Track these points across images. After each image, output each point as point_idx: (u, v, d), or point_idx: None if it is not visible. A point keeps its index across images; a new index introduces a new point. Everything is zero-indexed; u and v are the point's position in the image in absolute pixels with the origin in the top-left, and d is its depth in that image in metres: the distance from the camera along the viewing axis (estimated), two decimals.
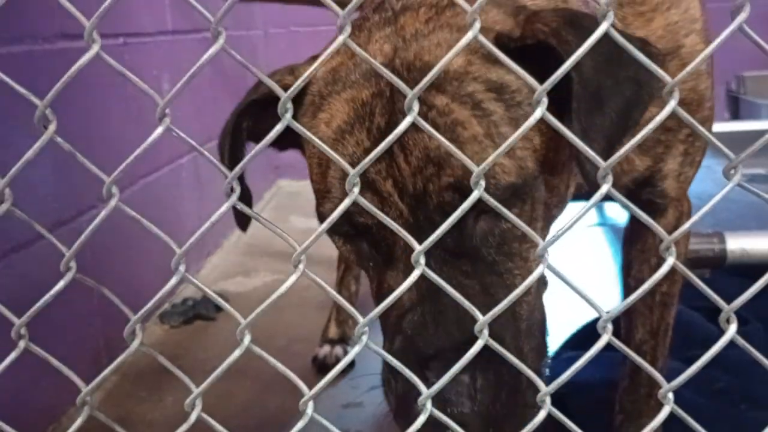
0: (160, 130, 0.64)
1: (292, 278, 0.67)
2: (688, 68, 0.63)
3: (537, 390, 0.72)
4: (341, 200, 0.80)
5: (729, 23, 0.63)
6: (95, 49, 0.63)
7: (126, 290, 2.11)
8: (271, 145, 0.99)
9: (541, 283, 0.94)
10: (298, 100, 0.94)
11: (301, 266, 0.67)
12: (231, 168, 1.06)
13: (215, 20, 0.61)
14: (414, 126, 0.77)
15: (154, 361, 0.76)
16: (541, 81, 0.63)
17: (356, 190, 0.66)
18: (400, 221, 0.83)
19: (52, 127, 0.66)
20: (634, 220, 1.33)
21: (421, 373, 0.75)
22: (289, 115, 0.64)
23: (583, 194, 1.18)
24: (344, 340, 2.10)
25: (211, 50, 0.63)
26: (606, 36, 0.62)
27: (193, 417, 0.72)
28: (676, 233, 0.65)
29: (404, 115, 0.77)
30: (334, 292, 0.71)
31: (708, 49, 0.63)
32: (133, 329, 0.71)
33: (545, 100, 0.63)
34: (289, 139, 0.96)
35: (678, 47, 1.08)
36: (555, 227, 0.97)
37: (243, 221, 1.02)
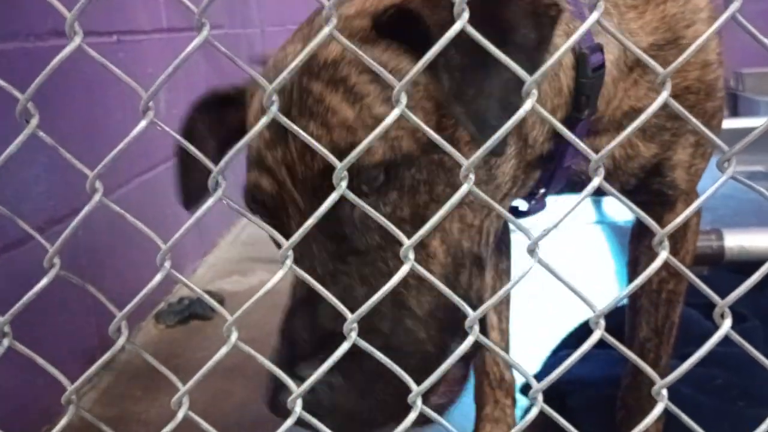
0: (143, 123, 0.63)
1: (279, 274, 0.66)
2: (680, 59, 0.62)
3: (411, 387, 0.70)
4: (251, 182, 0.91)
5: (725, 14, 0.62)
6: (77, 41, 0.62)
7: (122, 288, 2.12)
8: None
9: (468, 266, 0.91)
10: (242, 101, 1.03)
11: (288, 262, 0.66)
12: (181, 177, 1.10)
13: (199, 11, 0.60)
14: (299, 112, 0.85)
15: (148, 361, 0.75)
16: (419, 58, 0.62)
17: (274, 109, 0.65)
18: (293, 206, 0.87)
19: (34, 121, 0.65)
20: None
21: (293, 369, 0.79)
22: (275, 108, 0.63)
23: (576, 189, 1.17)
24: None
25: (195, 42, 0.61)
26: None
27: (180, 415, 0.71)
28: (669, 227, 0.64)
29: (296, 106, 0.84)
30: (322, 288, 0.69)
31: (700, 39, 0.62)
32: (118, 326, 0.70)
33: (535, 93, 0.62)
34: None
35: (677, 38, 1.06)
36: (544, 223, 0.96)
37: (188, 200, 1.12)
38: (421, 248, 0.85)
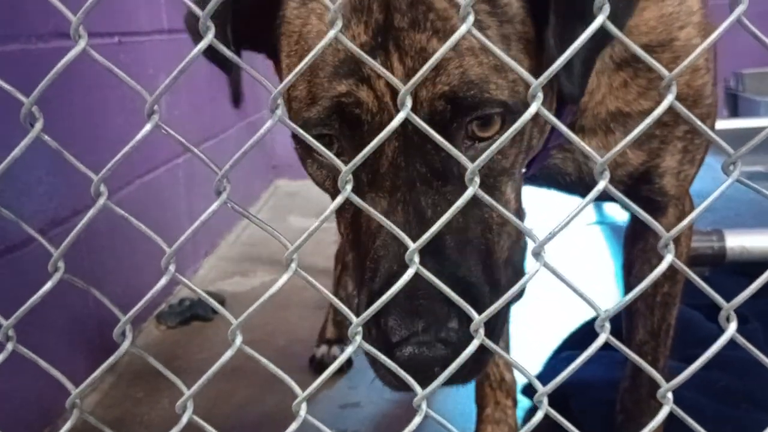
0: (148, 127, 0.63)
1: (284, 277, 0.66)
2: (686, 62, 0.62)
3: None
4: (331, 97, 0.78)
5: (726, 18, 0.62)
6: (81, 44, 0.62)
7: (124, 290, 2.12)
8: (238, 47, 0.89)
9: (522, 213, 0.91)
10: None
11: (293, 265, 0.66)
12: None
13: (203, 15, 0.60)
14: (413, 25, 0.77)
15: (150, 362, 0.75)
16: None
17: (349, 186, 0.65)
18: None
19: (38, 125, 0.65)
20: (634, 219, 1.32)
21: (407, 318, 0.73)
22: (279, 112, 0.63)
23: (580, 191, 1.17)
24: (342, 341, 2.09)
25: (201, 44, 0.61)
26: None
27: (184, 419, 0.71)
28: (674, 230, 0.64)
29: (401, 14, 0.77)
30: (326, 292, 0.70)
31: (706, 42, 0.62)
32: (123, 330, 0.70)
33: (540, 96, 0.62)
34: (258, 41, 0.93)
35: (671, 39, 1.06)
36: (549, 225, 0.95)
37: (237, 96, 0.96)
38: (501, 196, 0.83)
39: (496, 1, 0.81)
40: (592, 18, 0.60)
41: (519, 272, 0.88)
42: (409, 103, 0.63)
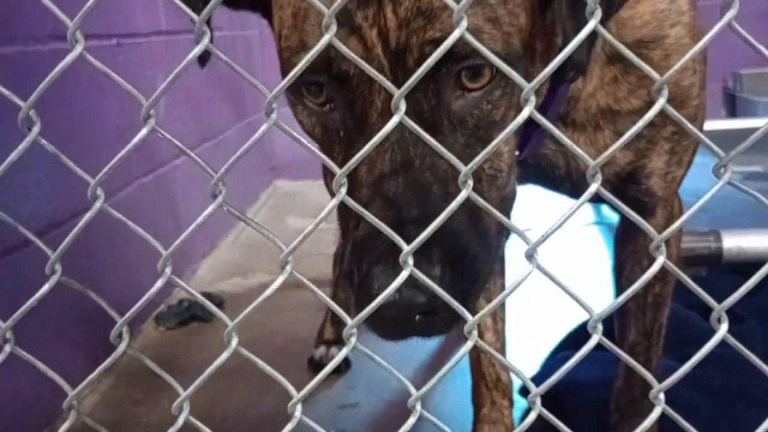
0: (144, 131, 0.63)
1: (279, 280, 0.67)
2: (678, 65, 0.62)
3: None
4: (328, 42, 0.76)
5: (719, 20, 0.63)
6: (78, 49, 0.62)
7: (123, 291, 2.12)
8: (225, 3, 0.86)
9: (514, 167, 0.90)
10: None
11: (288, 267, 0.67)
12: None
13: (199, 20, 0.61)
14: None
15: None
16: None
17: (343, 190, 0.65)
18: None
19: (35, 129, 0.66)
20: (624, 221, 1.32)
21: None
22: (274, 116, 0.63)
23: (567, 186, 1.17)
24: (340, 341, 2.10)
25: (196, 50, 0.62)
26: None
27: (180, 420, 0.72)
28: (666, 233, 0.65)
29: None
30: (322, 294, 0.70)
31: (698, 45, 0.62)
32: (119, 332, 0.70)
33: (533, 99, 0.62)
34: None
35: (663, 36, 1.06)
36: (543, 227, 0.95)
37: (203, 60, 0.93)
38: (495, 152, 0.82)
39: None
40: None
41: (502, 231, 0.88)
42: (402, 107, 0.63)
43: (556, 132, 0.64)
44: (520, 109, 0.84)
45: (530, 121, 0.97)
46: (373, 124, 0.78)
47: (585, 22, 0.62)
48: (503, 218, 0.68)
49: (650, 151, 1.12)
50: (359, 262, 0.75)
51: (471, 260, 0.77)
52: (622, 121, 1.07)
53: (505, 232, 0.89)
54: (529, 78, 0.82)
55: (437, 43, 0.71)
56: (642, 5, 1.05)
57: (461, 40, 0.60)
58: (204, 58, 0.91)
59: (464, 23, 0.60)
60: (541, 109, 0.98)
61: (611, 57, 1.05)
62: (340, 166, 0.81)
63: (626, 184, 1.15)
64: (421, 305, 0.71)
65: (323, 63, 0.76)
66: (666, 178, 1.15)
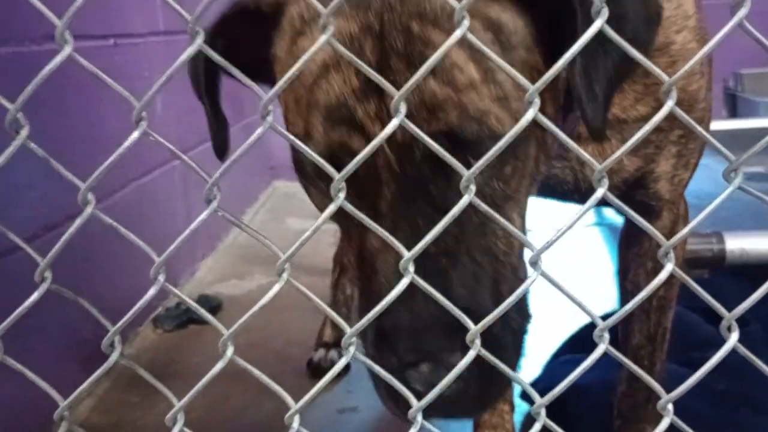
0: (135, 134, 0.62)
1: (276, 287, 0.65)
2: (687, 66, 0.61)
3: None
4: (324, 145, 0.75)
5: (728, 19, 0.61)
6: (67, 50, 0.61)
7: (118, 294, 2.10)
8: (230, 76, 0.83)
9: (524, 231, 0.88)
10: (273, 20, 0.86)
11: (284, 275, 0.65)
12: (209, 99, 0.96)
13: (192, 19, 0.59)
14: (407, 65, 0.73)
15: (146, 366, 0.74)
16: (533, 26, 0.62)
17: (342, 195, 0.63)
18: (387, 171, 0.76)
19: (24, 132, 0.64)
20: (629, 223, 1.31)
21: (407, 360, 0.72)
22: (270, 119, 0.62)
23: (575, 198, 1.16)
24: (339, 344, 2.08)
25: (189, 50, 0.60)
26: None
27: (175, 431, 0.70)
28: (674, 239, 0.63)
29: (396, 54, 0.73)
30: (319, 301, 0.68)
31: (707, 46, 0.60)
32: (111, 341, 0.68)
33: (537, 101, 0.60)
34: (258, 72, 0.87)
35: (668, 43, 1.05)
36: (547, 233, 0.94)
37: (221, 150, 0.97)
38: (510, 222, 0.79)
39: (501, 28, 0.78)
40: (615, 50, 0.60)
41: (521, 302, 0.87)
42: (403, 109, 0.62)
43: (561, 135, 0.62)
44: (533, 179, 0.85)
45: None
46: (383, 214, 0.77)
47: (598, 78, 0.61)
48: (509, 226, 0.66)
49: (658, 156, 1.11)
50: (390, 353, 0.74)
51: (497, 344, 0.75)
52: (629, 129, 1.06)
53: (526, 313, 0.89)
54: (539, 147, 0.83)
55: (445, 135, 0.71)
56: None
57: (469, 127, 0.59)
58: (222, 150, 0.97)
59: (466, 23, 0.59)
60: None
61: None
62: (356, 252, 0.82)
63: (634, 189, 1.14)
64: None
65: (329, 159, 0.74)
66: (673, 180, 1.14)
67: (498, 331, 0.75)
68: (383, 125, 0.73)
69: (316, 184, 0.83)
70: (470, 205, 0.71)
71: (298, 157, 0.81)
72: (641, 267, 1.27)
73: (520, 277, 0.83)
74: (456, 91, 0.73)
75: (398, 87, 0.70)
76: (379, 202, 0.77)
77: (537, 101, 0.60)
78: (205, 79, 0.90)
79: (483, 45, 0.72)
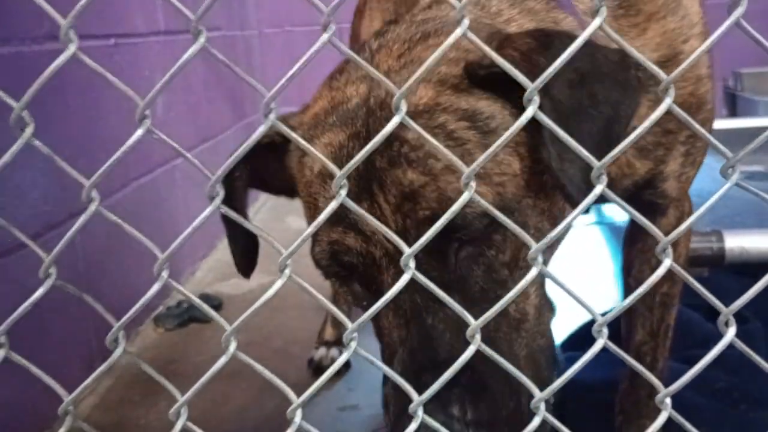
0: (139, 132, 0.62)
1: (278, 284, 0.65)
2: (685, 64, 0.61)
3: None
4: (328, 242, 0.86)
5: (726, 18, 0.62)
6: (72, 49, 0.61)
7: (121, 292, 2.11)
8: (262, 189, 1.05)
9: (547, 309, 0.92)
10: (285, 146, 0.99)
11: (287, 271, 0.66)
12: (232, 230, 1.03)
13: (195, 18, 0.59)
14: (389, 162, 0.81)
15: (149, 364, 0.74)
16: (513, 108, 0.68)
17: (343, 192, 0.64)
18: (386, 259, 0.83)
19: (29, 130, 0.64)
20: (634, 220, 1.32)
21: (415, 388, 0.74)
22: (273, 116, 0.62)
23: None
24: (340, 342, 2.09)
25: (192, 49, 0.61)
26: (581, 53, 0.60)
27: (178, 426, 0.70)
28: (672, 235, 0.64)
29: (380, 155, 0.81)
30: (321, 297, 0.69)
31: (705, 44, 0.61)
32: (115, 337, 0.69)
33: (537, 99, 0.61)
34: (280, 188, 1.06)
35: (676, 54, 1.07)
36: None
37: (246, 269, 1.06)
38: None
39: (477, 116, 0.83)
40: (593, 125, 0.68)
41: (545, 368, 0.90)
42: (404, 107, 0.62)
43: (561, 132, 0.63)
44: (524, 247, 0.86)
45: None
46: (400, 300, 0.82)
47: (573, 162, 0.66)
48: (515, 226, 0.66)
49: (667, 157, 1.13)
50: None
51: (495, 394, 0.79)
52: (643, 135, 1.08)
53: (551, 357, 0.92)
54: (539, 212, 0.86)
55: (430, 220, 0.75)
56: (651, 30, 1.05)
57: (458, 217, 0.68)
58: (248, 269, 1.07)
59: (466, 22, 0.59)
60: None
61: None
62: (376, 333, 0.90)
63: (643, 189, 1.15)
64: None
65: (331, 256, 0.87)
66: (680, 179, 1.16)
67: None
68: (378, 221, 0.81)
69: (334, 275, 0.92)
70: (480, 289, 0.81)
71: (312, 255, 0.90)
72: (645, 263, 1.28)
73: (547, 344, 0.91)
74: (434, 178, 0.80)
75: (385, 185, 0.82)
76: (383, 287, 0.84)
77: (537, 99, 0.61)
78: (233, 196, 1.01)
79: (458, 131, 0.82)
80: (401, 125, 0.77)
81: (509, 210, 0.81)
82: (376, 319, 0.88)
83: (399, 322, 0.83)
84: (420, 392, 0.70)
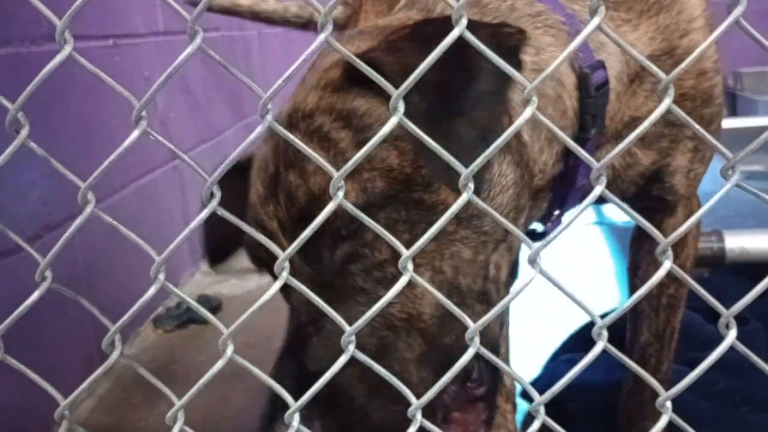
0: (136, 133, 0.62)
1: (276, 285, 0.65)
2: (683, 65, 0.61)
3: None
4: (248, 241, 0.94)
5: (726, 18, 0.61)
6: (67, 50, 0.61)
7: (120, 294, 2.10)
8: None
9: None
10: None
11: (284, 273, 0.65)
12: (208, 251, 1.09)
13: (191, 19, 0.59)
14: (284, 167, 0.87)
15: (147, 366, 0.74)
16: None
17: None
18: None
19: (24, 132, 0.64)
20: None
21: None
22: (270, 117, 0.62)
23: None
24: None
25: (189, 49, 0.60)
26: (454, 44, 0.59)
27: (175, 430, 0.70)
28: (671, 237, 0.63)
29: (282, 160, 0.87)
30: (316, 298, 0.68)
31: (703, 44, 0.61)
32: (112, 340, 0.68)
33: (534, 99, 0.60)
34: None
35: (673, 48, 1.06)
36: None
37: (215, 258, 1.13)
38: (407, 289, 0.81)
39: (352, 115, 0.86)
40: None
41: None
42: (401, 107, 0.62)
43: (560, 133, 0.62)
44: (521, 214, 0.90)
45: (564, 182, 1.00)
46: (294, 300, 0.92)
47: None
48: (512, 227, 0.66)
49: (674, 150, 1.11)
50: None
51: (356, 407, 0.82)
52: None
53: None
54: (431, 208, 0.85)
55: (302, 218, 0.83)
56: (644, 25, 1.04)
57: (315, 203, 0.77)
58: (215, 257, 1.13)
59: (464, 21, 0.59)
60: (569, 169, 1.00)
61: (632, 79, 1.05)
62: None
63: (651, 184, 1.14)
64: None
65: (251, 255, 0.98)
66: (689, 175, 1.15)
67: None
68: (279, 222, 0.88)
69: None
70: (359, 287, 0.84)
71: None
72: (652, 264, 1.27)
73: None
74: (306, 178, 0.85)
75: (288, 187, 0.86)
76: (289, 289, 0.84)
77: (534, 99, 0.60)
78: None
79: (332, 132, 0.85)
80: (291, 129, 0.86)
81: (379, 206, 0.82)
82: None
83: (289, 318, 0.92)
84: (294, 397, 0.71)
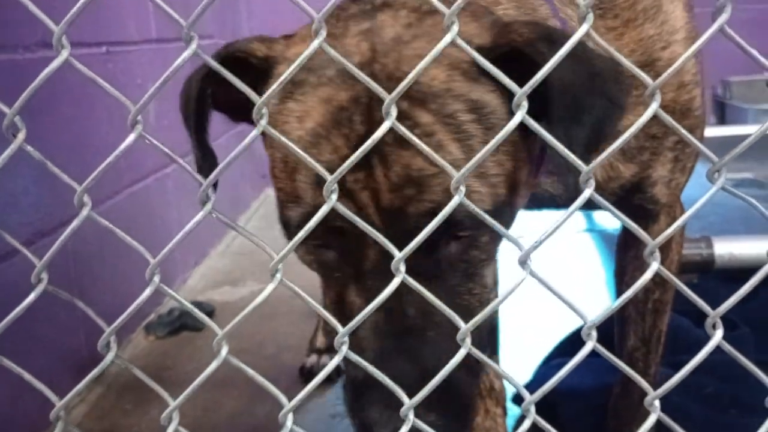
0: (131, 137, 0.63)
1: (269, 287, 0.66)
2: (670, 70, 0.62)
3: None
4: (313, 206, 0.78)
5: (711, 26, 0.63)
6: (64, 55, 0.61)
7: (113, 299, 2.10)
8: (224, 113, 0.92)
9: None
10: (262, 75, 0.88)
11: (278, 275, 0.66)
12: (197, 137, 0.96)
13: (187, 24, 0.60)
14: (397, 141, 0.75)
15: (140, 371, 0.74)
16: (509, 95, 0.64)
17: (334, 196, 0.65)
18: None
19: (21, 136, 0.65)
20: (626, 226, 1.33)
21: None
22: (264, 122, 0.63)
23: (562, 203, 1.17)
24: (332, 350, 2.08)
25: (184, 54, 0.61)
26: (580, 50, 0.61)
27: (170, 430, 0.70)
28: (660, 238, 0.64)
29: (389, 134, 0.73)
30: (313, 302, 0.69)
31: (689, 50, 0.62)
32: (107, 342, 0.69)
33: (525, 104, 0.62)
34: (246, 113, 0.90)
35: (654, 60, 1.07)
36: (536, 234, 0.95)
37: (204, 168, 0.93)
38: (484, 287, 0.86)
39: (483, 109, 0.81)
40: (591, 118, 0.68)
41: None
42: (394, 112, 0.63)
43: (551, 138, 0.63)
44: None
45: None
46: (367, 272, 0.81)
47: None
48: (500, 227, 0.67)
49: (654, 162, 1.13)
50: (361, 406, 0.80)
51: (461, 396, 0.82)
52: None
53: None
54: (511, 210, 0.86)
55: (433, 214, 0.72)
56: (628, 35, 1.06)
57: (460, 209, 0.67)
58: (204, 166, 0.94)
59: (455, 28, 0.60)
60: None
61: None
62: (332, 305, 0.87)
63: (631, 194, 1.16)
64: None
65: (320, 223, 0.76)
66: (670, 185, 1.16)
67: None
68: (371, 194, 0.78)
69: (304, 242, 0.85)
70: (458, 282, 0.82)
71: (285, 217, 0.84)
72: (638, 270, 1.28)
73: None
74: (442, 170, 0.74)
75: (387, 161, 0.77)
76: (364, 262, 0.81)
77: (525, 104, 0.61)
78: (196, 118, 0.91)
79: (467, 125, 0.79)
80: (416, 104, 0.77)
81: (500, 211, 0.80)
82: (336, 290, 0.86)
83: (368, 296, 0.78)
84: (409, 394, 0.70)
